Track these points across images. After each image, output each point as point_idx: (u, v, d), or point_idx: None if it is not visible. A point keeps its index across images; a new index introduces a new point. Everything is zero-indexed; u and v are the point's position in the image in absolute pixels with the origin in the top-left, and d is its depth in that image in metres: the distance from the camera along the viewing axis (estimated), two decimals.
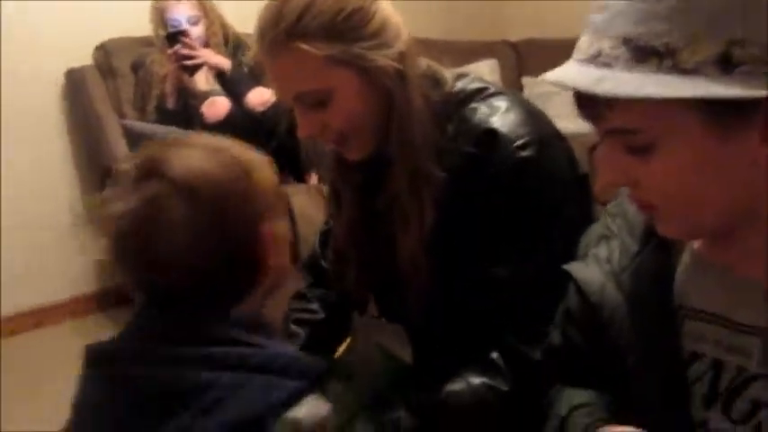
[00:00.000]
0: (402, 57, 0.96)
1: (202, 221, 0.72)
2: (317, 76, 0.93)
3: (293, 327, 1.21)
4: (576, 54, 0.64)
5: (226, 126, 2.40)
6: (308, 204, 2.22)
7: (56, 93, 2.70)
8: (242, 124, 2.41)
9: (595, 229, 0.84)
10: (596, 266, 0.78)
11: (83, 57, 2.66)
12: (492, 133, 0.96)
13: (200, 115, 2.44)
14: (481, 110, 0.98)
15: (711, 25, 0.57)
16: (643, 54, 0.59)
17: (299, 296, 1.26)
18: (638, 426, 0.68)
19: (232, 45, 2.63)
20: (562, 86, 0.63)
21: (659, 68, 0.59)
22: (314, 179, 2.58)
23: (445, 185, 0.97)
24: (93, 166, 2.69)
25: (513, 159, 0.95)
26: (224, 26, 2.64)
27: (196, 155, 0.75)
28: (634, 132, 0.62)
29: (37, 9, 2.61)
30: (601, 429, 0.71)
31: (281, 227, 0.81)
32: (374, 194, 1.05)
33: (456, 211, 0.98)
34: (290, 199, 2.18)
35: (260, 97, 2.45)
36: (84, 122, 2.66)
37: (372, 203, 1.05)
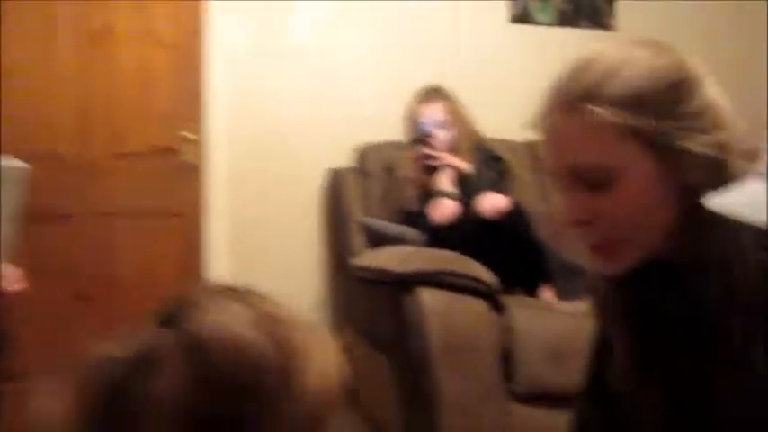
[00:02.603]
0: (723, 149, 0.77)
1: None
2: (606, 149, 0.77)
3: None
4: None
5: (453, 229, 2.36)
6: (531, 320, 2.07)
7: (317, 189, 2.92)
8: (469, 228, 2.33)
9: None
10: None
11: (344, 158, 2.86)
12: None
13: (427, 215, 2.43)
14: None
15: None
16: None
17: None
18: None
19: (477, 150, 2.61)
20: None
21: None
22: (549, 294, 2.37)
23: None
24: (336, 258, 2.83)
25: None
26: (471, 132, 2.65)
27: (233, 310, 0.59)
28: None
29: (312, 114, 2.93)
30: None
31: None
32: (650, 317, 0.84)
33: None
34: (514, 313, 2.05)
35: (490, 202, 2.35)
36: (336, 218, 2.83)
37: (650, 327, 0.84)
